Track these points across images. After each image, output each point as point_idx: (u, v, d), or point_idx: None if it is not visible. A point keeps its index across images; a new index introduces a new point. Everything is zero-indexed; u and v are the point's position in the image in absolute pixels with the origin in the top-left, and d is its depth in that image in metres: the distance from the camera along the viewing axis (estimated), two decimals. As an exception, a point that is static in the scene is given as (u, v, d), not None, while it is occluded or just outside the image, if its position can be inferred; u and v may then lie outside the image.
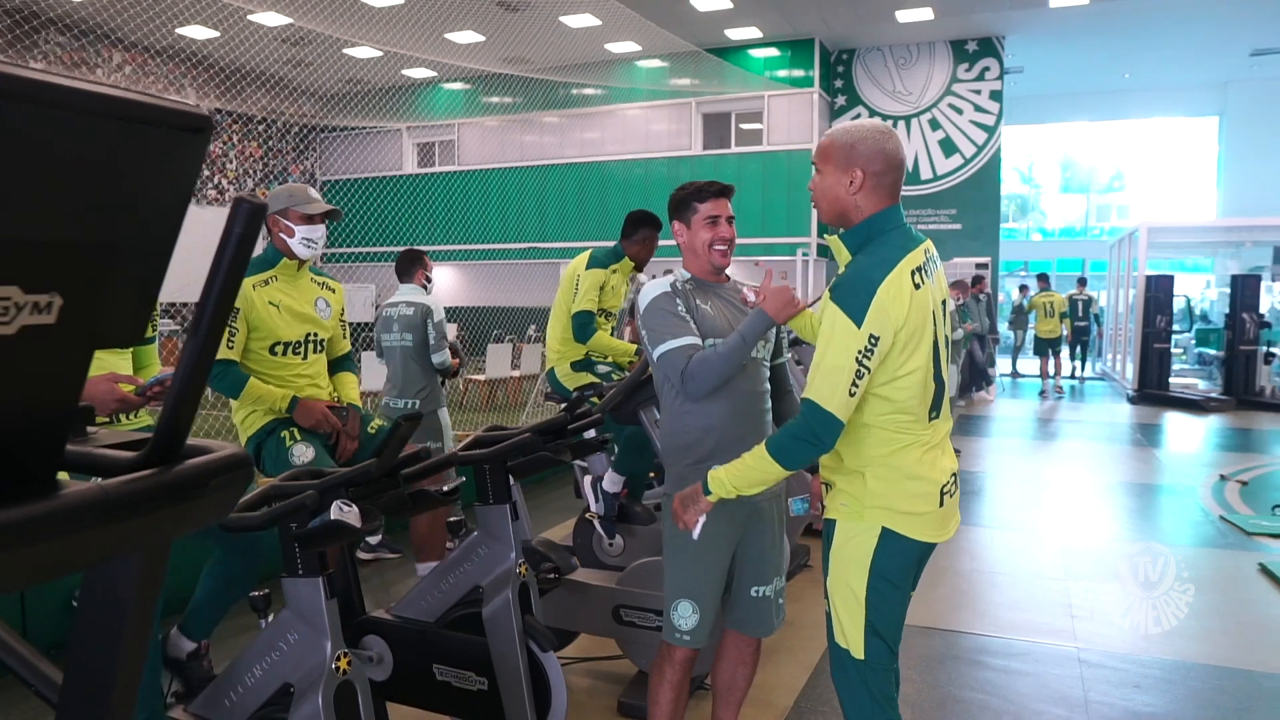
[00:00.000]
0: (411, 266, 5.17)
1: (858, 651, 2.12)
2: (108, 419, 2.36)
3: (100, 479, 0.96)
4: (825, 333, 1.95)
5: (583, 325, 4.34)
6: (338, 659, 1.98)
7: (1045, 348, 14.17)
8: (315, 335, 3.10)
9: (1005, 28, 15.43)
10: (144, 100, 0.83)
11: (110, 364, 2.47)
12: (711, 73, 16.48)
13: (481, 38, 15.51)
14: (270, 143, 19.35)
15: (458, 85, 19.35)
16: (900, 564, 2.07)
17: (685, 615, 2.43)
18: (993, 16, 14.82)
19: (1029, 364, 16.59)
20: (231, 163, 18.47)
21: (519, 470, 2.50)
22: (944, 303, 2.10)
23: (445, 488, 2.15)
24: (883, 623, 2.10)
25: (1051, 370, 14.20)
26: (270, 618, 2.11)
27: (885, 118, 16.62)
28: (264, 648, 2.06)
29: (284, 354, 3.00)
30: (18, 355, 0.86)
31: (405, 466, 2.03)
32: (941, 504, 2.05)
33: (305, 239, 3.05)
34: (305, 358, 3.07)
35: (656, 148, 17.59)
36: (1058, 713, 3.27)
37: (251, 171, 18.79)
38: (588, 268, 4.40)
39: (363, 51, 15.81)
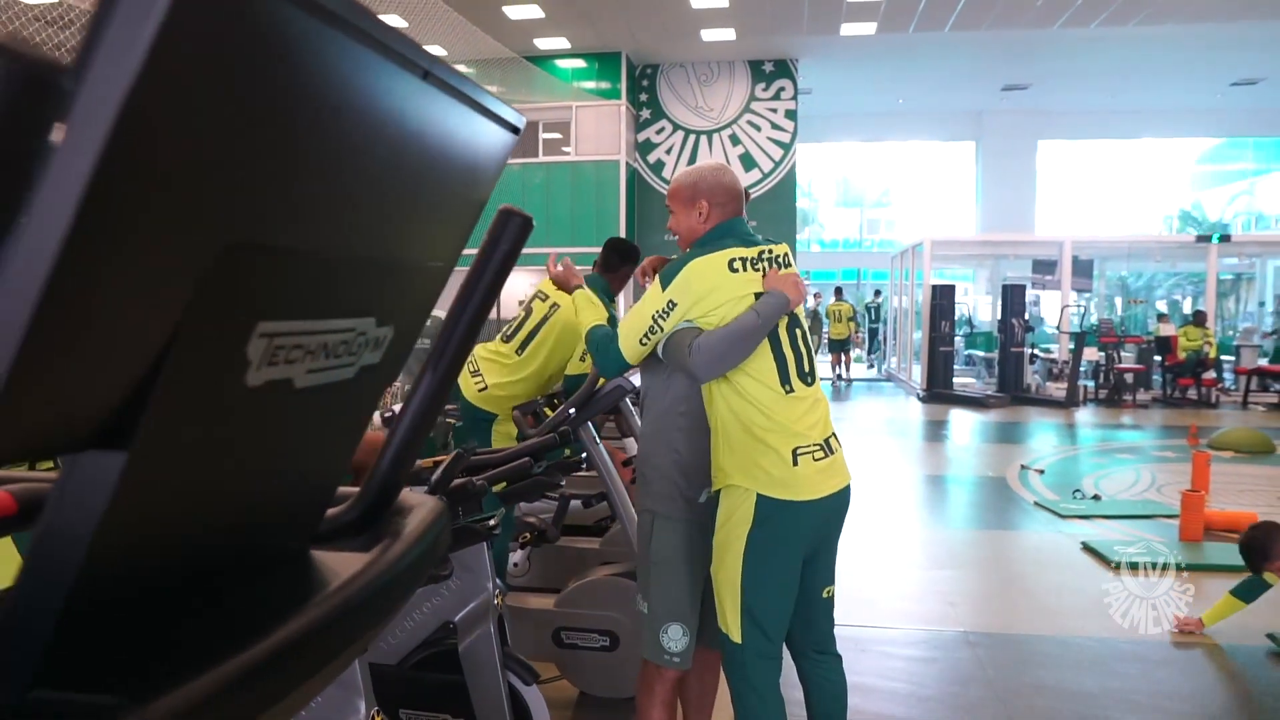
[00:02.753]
0: None
1: (735, 635, 2.25)
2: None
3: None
4: (646, 294, 2.32)
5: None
6: (373, 717, 1.80)
7: (837, 347, 16.93)
8: None
9: (799, 51, 16.37)
10: (486, 89, 0.73)
11: None
12: (518, 81, 16.37)
13: (276, 33, 14.61)
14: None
15: (244, 82, 18.13)
16: (776, 535, 2.20)
17: (676, 638, 2.43)
18: (789, 40, 15.68)
19: (821, 367, 17.82)
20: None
21: (513, 496, 2.37)
22: None
23: (492, 521, 2.00)
24: (760, 606, 2.22)
25: (841, 366, 16.94)
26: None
27: (689, 132, 17.19)
28: (275, 710, 1.83)
29: None
30: (348, 402, 0.75)
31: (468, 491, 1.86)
32: (795, 463, 2.19)
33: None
34: None
35: (462, 154, 17.23)
36: (975, 693, 3.51)
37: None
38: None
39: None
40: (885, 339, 19.24)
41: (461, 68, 14.53)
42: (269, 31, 0.41)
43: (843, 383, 16.65)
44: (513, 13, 14.30)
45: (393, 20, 13.92)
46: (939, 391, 13.69)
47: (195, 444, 0.52)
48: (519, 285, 17.50)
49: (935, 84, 18.75)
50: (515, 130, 0.80)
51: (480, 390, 3.81)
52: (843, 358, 17.00)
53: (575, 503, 4.12)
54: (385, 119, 0.57)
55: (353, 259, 0.61)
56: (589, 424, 3.37)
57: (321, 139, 0.50)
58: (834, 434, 2.36)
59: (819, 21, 14.46)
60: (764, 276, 2.27)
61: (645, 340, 2.27)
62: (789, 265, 2.37)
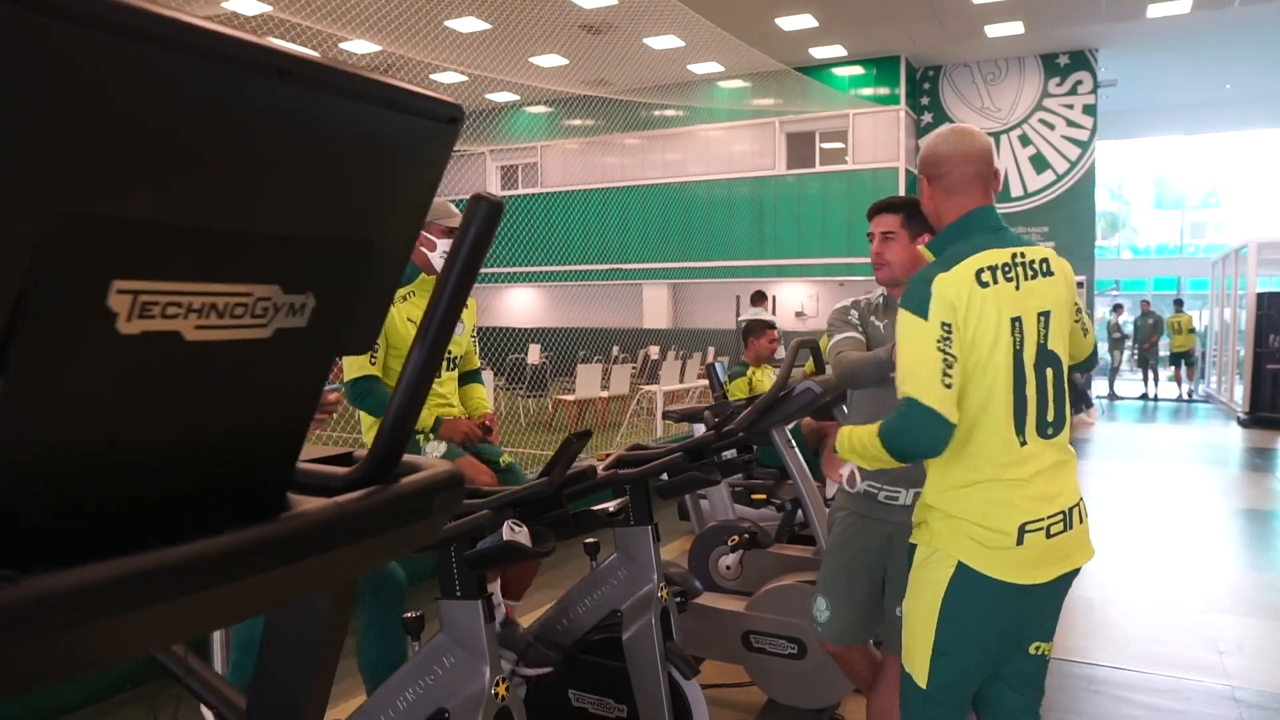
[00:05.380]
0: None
1: (919, 679, 1.96)
2: None
3: (317, 497, 0.90)
4: (900, 335, 1.87)
5: None
6: (497, 684, 1.92)
7: (1179, 359, 16.28)
8: (449, 353, 3.05)
9: (1099, 40, 15.00)
10: (406, 88, 0.78)
11: None
12: (794, 92, 16.37)
13: (565, 60, 15.66)
14: (359, 168, 19.82)
15: (540, 108, 19.60)
16: (980, 607, 1.86)
17: (820, 609, 2.62)
18: (1086, 29, 14.41)
19: (1126, 386, 16.25)
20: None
21: (668, 491, 2.42)
22: (1043, 314, 1.89)
23: (610, 508, 2.08)
24: (951, 658, 1.92)
25: (1185, 376, 16.34)
26: (421, 641, 2.06)
27: (973, 134, 16.28)
28: (419, 671, 2.01)
29: None
30: (269, 360, 0.81)
31: (568, 486, 1.97)
32: (1020, 541, 1.81)
33: (447, 253, 2.96)
34: (439, 376, 3.02)
35: (739, 168, 17.52)
36: (1224, 757, 3.05)
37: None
38: None
39: (448, 76, 16.12)
40: (1204, 356, 17.13)
41: (738, 82, 14.80)
42: (61, 44, 0.50)
43: (1186, 395, 16.10)
44: (786, 24, 14.33)
45: (667, 40, 14.46)
46: (1265, 415, 11.91)
47: (79, 375, 0.63)
48: (793, 296, 17.45)
49: (1271, 63, 16.34)
50: (440, 119, 0.86)
51: None
52: (1185, 369, 16.41)
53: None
54: (234, 112, 0.65)
55: (226, 232, 0.69)
56: (783, 429, 3.33)
57: (151, 130, 0.59)
58: (1081, 500, 1.96)
59: (1121, 5, 13.15)
60: (1017, 289, 1.87)
61: (948, 379, 1.79)
62: (1049, 274, 1.93)
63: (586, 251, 18.66)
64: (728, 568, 4.17)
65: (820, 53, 15.93)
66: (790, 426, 4.98)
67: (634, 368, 12.90)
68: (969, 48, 15.51)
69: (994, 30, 14.45)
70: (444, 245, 2.96)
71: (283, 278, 0.75)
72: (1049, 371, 1.89)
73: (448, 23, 13.42)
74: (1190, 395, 16.17)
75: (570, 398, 11.08)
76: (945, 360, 1.79)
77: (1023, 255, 1.89)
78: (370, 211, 0.87)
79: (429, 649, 2.00)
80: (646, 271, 18.13)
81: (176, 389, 0.72)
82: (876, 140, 16.15)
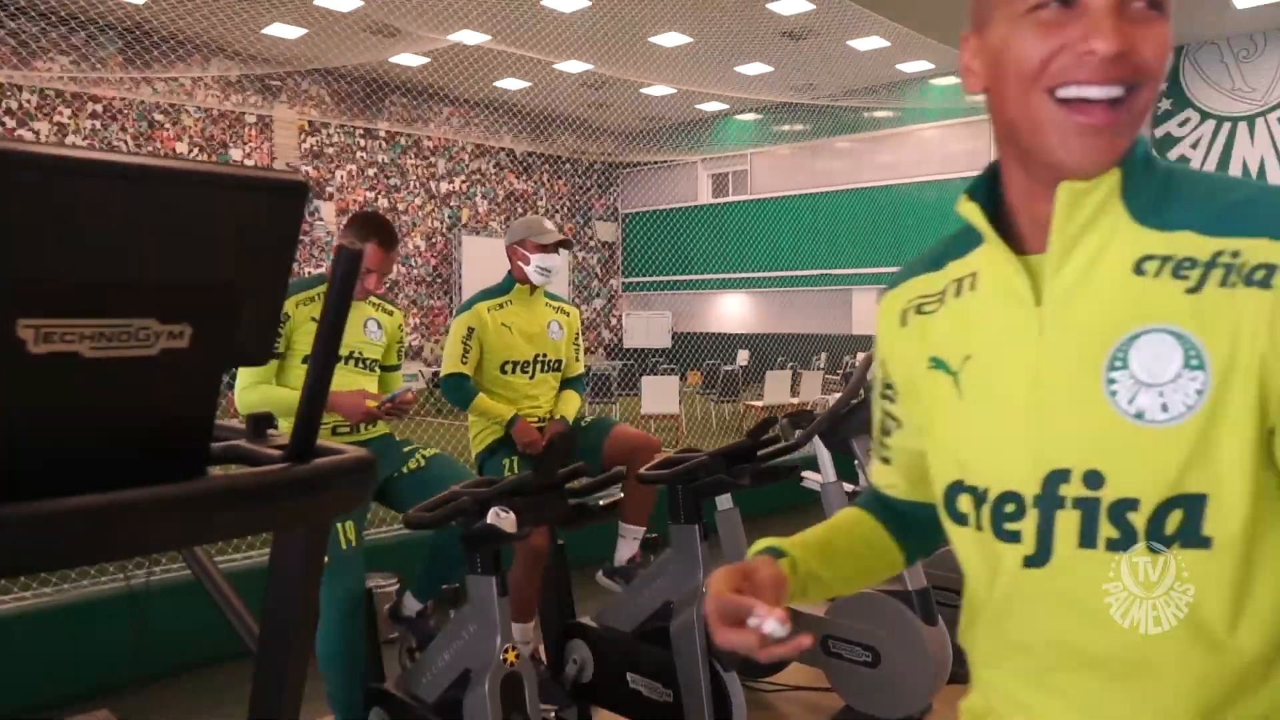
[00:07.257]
0: None
1: None
2: (350, 428, 2.78)
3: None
4: None
5: None
6: (505, 651, 2.18)
7: None
8: (545, 356, 3.38)
9: (1380, 5, 13.15)
10: (248, 173, 1.03)
11: (360, 384, 2.89)
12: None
13: (770, 68, 15.78)
14: (576, 180, 20.91)
15: (749, 116, 19.78)
16: None
17: None
18: (1363, -8, 12.69)
19: None
20: (542, 200, 20.18)
21: (700, 492, 2.58)
22: None
23: (602, 502, 2.29)
24: None
25: None
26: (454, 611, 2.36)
27: (1222, 120, 14.78)
28: (451, 636, 2.31)
29: (513, 372, 3.31)
30: (160, 372, 1.10)
31: (573, 479, 2.20)
32: None
33: (540, 267, 3.32)
34: (532, 377, 3.35)
35: (954, 168, 16.84)
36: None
37: (560, 207, 20.40)
38: None
39: (658, 90, 16.68)
40: None
41: (951, 79, 14.18)
42: None
43: None
44: (998, 15, 13.66)
45: (872, 41, 14.19)
46: None
47: (6, 382, 0.95)
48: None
49: None
50: (283, 192, 1.14)
51: None
52: None
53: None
54: (96, 207, 0.95)
55: (105, 283, 1.00)
56: (865, 438, 3.35)
57: (38, 226, 0.90)
58: None
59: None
60: None
61: None
62: None
63: (797, 257, 18.64)
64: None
65: (1042, 42, 15.03)
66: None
67: (836, 374, 12.84)
68: (1214, 22, 14.06)
69: (1244, 0, 13.05)
70: (537, 259, 3.30)
71: (158, 313, 1.04)
72: None
73: (651, 39, 13.93)
74: None
75: (759, 404, 11.21)
76: None
77: None
78: (231, 262, 1.14)
79: (459, 617, 2.31)
80: (856, 277, 17.84)
81: (82, 393, 1.03)
82: (1105, 132, 15.01)
